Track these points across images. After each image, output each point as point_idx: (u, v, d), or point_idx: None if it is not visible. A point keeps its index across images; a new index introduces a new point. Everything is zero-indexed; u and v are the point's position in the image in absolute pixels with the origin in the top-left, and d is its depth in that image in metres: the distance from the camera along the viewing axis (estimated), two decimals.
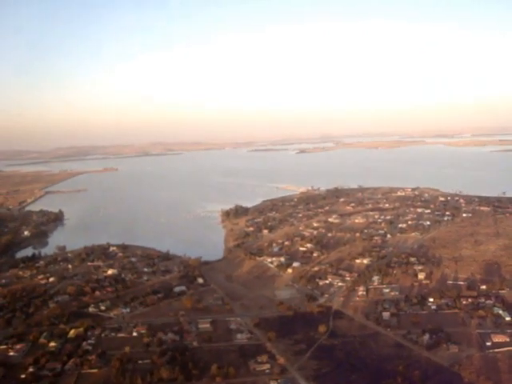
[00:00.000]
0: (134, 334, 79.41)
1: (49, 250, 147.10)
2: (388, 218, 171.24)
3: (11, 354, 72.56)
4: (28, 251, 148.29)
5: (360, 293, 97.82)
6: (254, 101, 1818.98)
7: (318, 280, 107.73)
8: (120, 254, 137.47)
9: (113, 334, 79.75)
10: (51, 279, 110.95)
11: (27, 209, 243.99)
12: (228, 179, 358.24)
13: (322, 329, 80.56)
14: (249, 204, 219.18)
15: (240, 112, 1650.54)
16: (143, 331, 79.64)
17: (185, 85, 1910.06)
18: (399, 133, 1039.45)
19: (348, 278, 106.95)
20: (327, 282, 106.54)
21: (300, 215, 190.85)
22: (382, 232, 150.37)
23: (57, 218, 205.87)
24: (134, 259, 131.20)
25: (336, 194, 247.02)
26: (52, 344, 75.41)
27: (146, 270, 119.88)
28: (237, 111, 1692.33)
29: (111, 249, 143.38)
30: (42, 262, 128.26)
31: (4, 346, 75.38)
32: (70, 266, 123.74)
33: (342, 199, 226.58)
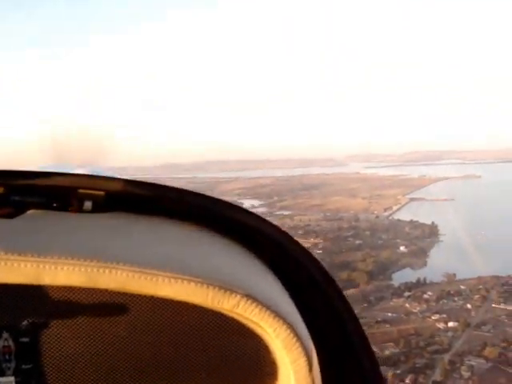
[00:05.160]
0: None
1: (430, 274, 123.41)
2: None
3: None
4: (406, 273, 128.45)
5: None
6: None
7: None
8: None
9: None
10: (450, 324, 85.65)
11: (395, 217, 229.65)
12: None
13: None
14: None
15: None
16: None
17: None
18: None
19: None
20: None
21: None
22: None
23: (431, 233, 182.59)
24: None
25: None
26: None
27: None
28: None
29: None
30: (430, 293, 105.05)
31: None
32: (469, 306, 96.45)
33: None
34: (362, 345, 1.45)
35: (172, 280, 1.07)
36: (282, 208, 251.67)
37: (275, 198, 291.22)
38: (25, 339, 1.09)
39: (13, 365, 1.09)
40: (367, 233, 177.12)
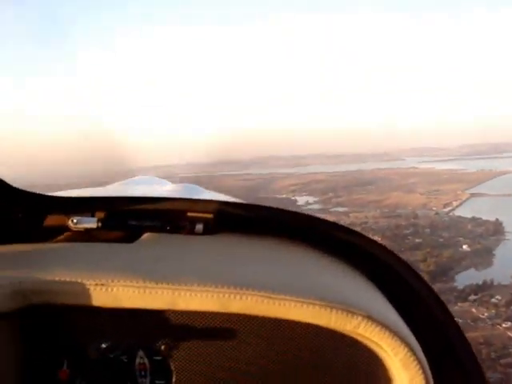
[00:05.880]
0: None
1: (497, 275, 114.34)
2: None
3: None
4: (471, 274, 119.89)
5: None
6: None
7: None
8: None
9: None
10: None
11: (455, 214, 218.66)
12: None
13: None
14: None
15: None
16: None
17: None
18: None
19: None
20: None
21: None
22: None
23: (496, 230, 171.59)
24: None
25: None
26: None
27: None
28: None
29: None
30: (498, 297, 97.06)
31: None
32: None
33: None
34: (468, 357, 1.46)
35: (299, 304, 1.13)
36: (337, 204, 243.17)
37: (330, 194, 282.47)
38: (158, 358, 1.20)
39: (147, 380, 1.21)
40: (427, 230, 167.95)
